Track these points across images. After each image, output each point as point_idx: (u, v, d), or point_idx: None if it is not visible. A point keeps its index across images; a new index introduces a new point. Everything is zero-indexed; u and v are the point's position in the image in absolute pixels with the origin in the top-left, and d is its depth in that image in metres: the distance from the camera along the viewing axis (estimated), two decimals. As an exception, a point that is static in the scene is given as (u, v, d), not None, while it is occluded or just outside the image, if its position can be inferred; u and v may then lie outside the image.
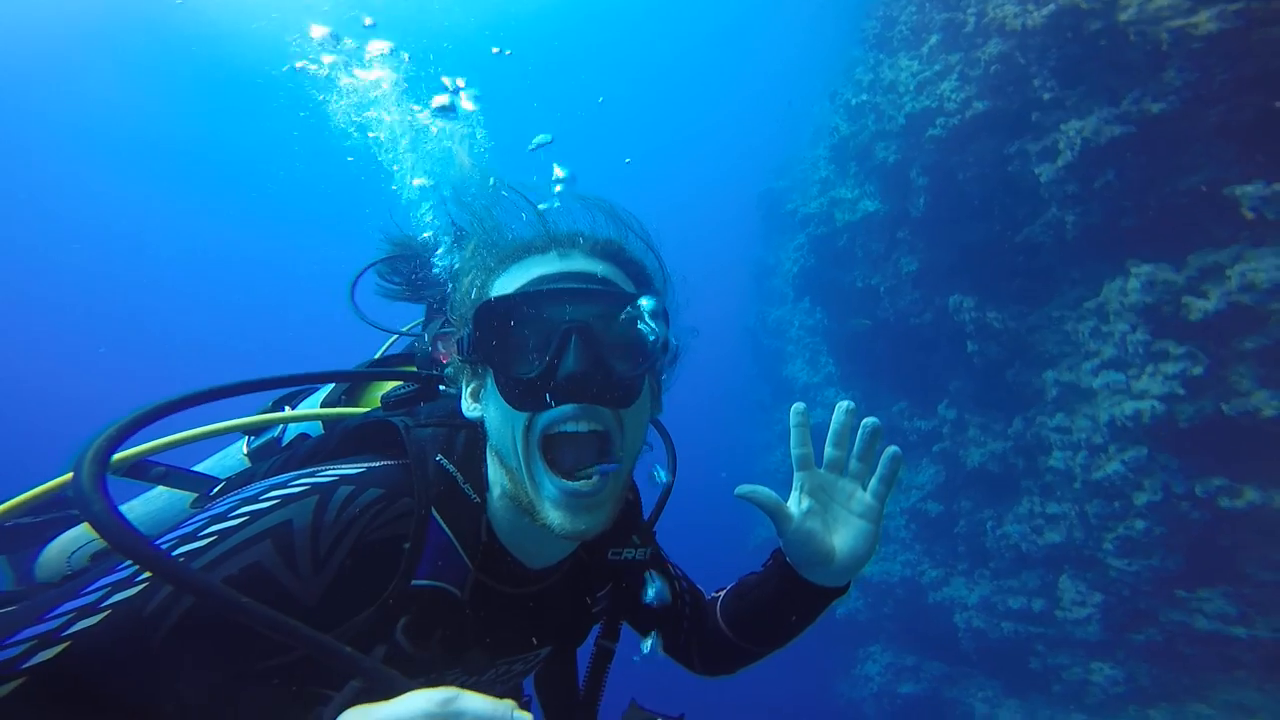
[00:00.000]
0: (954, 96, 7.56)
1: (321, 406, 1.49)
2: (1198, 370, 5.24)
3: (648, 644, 1.32)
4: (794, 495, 1.24)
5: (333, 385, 1.61)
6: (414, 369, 1.40)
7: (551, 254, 1.05)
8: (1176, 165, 5.57)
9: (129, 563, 0.78)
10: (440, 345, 1.80)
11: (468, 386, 1.09)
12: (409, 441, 1.02)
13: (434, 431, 1.07)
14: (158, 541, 0.83)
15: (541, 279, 1.01)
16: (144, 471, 1.24)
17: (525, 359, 0.97)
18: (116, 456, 0.89)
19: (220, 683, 0.86)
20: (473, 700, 0.65)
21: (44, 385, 34.99)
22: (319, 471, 0.97)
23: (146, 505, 1.47)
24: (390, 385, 1.46)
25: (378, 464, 1.02)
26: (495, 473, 1.05)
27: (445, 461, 1.03)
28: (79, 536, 1.52)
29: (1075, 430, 6.52)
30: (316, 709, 0.82)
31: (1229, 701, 5.52)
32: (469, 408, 1.08)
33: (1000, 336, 7.34)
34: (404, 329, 2.11)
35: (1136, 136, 5.68)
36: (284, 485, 0.93)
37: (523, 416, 0.96)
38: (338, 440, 1.13)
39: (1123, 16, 5.47)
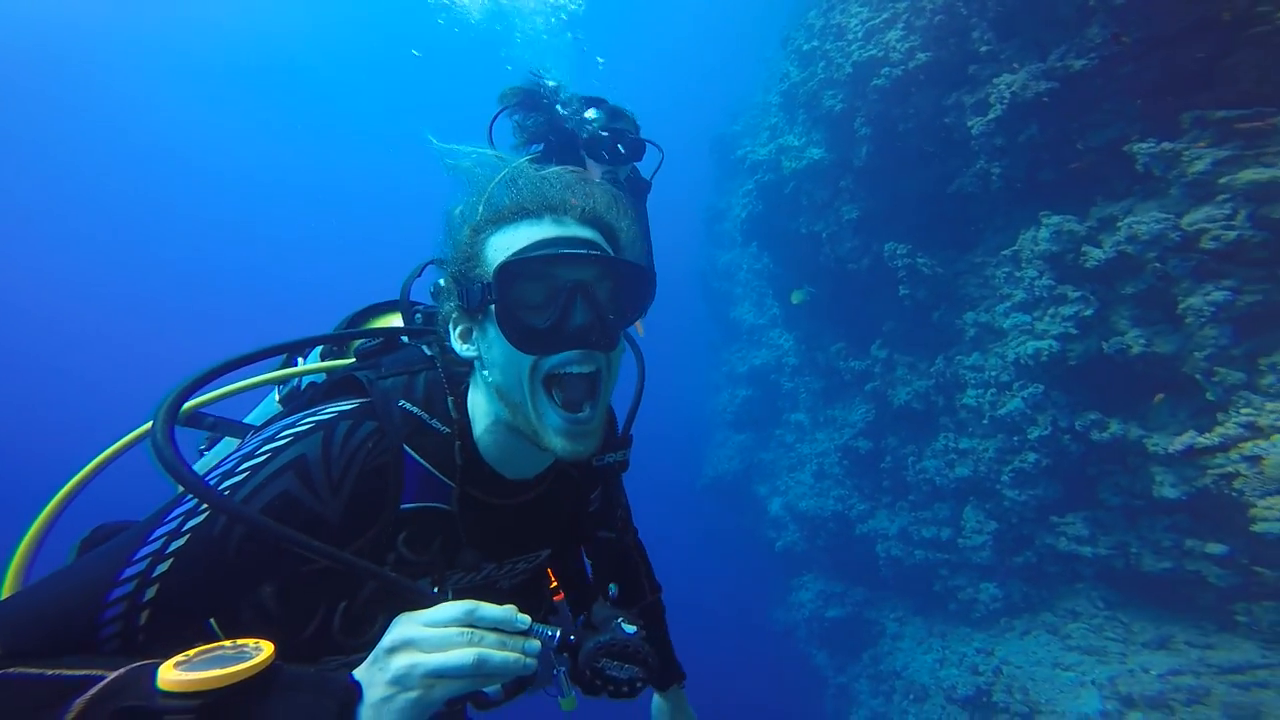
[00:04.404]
0: (899, 46, 7.71)
1: (322, 357, 1.65)
2: (1089, 312, 5.67)
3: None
4: None
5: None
6: (385, 324, 1.56)
7: (547, 219, 1.19)
8: (1090, 121, 5.86)
9: (190, 497, 0.98)
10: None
11: (456, 328, 1.24)
12: (373, 393, 1.19)
13: (394, 381, 1.22)
14: (206, 477, 1.00)
15: (546, 242, 1.16)
16: (199, 421, 1.44)
17: (537, 311, 1.13)
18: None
19: (283, 585, 1.12)
20: (488, 608, 0.91)
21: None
22: (320, 410, 1.14)
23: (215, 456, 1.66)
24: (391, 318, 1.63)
25: (369, 400, 1.19)
26: (490, 404, 1.21)
27: (408, 405, 1.20)
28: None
29: (987, 369, 6.95)
30: (371, 613, 1.17)
31: (1066, 609, 6.29)
32: (461, 348, 1.23)
33: (929, 281, 7.69)
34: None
35: (1059, 92, 5.94)
36: (293, 425, 1.10)
37: (529, 360, 1.12)
38: (324, 390, 1.32)
39: (1051, -31, 5.66)
